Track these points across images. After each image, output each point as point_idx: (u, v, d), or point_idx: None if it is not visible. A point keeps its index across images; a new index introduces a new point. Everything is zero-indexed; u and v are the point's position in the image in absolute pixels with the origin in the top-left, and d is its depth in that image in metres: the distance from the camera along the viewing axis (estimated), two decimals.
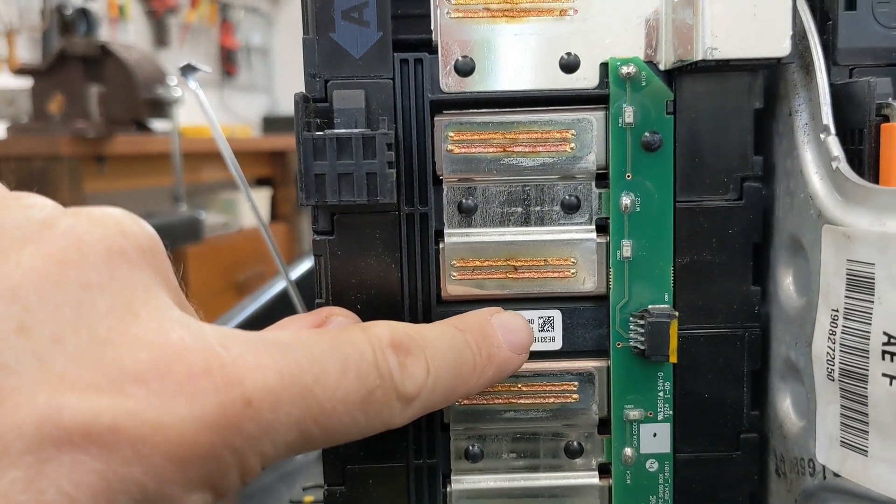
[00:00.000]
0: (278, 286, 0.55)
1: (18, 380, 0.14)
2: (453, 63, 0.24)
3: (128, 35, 2.49)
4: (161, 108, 1.62)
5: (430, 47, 0.25)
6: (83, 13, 2.00)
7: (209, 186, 2.16)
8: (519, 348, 0.23)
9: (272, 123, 2.87)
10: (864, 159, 0.23)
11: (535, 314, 0.26)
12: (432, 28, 0.24)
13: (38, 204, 0.17)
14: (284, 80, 3.32)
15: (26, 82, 1.68)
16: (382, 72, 0.24)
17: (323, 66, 0.24)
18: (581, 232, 0.25)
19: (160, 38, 2.66)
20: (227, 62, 3.02)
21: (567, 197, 0.25)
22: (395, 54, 0.24)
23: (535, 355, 0.26)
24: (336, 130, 0.23)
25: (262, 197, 2.33)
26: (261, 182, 2.46)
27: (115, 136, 1.60)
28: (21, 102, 1.64)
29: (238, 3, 3.09)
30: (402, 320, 0.25)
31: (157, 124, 1.76)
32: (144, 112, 1.61)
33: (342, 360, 0.18)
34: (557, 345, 0.26)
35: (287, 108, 3.12)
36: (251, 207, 0.36)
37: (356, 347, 0.19)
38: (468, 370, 0.22)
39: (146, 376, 0.15)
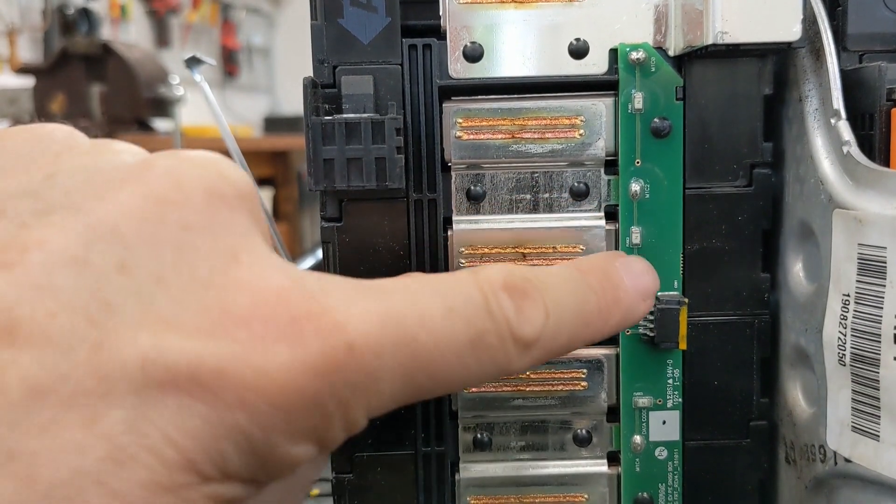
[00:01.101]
0: None
1: (120, 318, 0.14)
2: (462, 49, 0.24)
3: (129, 35, 2.49)
4: (163, 107, 1.62)
5: (439, 33, 0.25)
6: (85, 13, 2.00)
7: None
8: (645, 293, 0.22)
9: (273, 123, 2.86)
10: (874, 144, 0.23)
11: None
12: (441, 14, 0.24)
13: (127, 149, 0.17)
14: (286, 81, 3.32)
15: (28, 81, 1.68)
16: (391, 57, 0.24)
17: (331, 52, 0.24)
18: (590, 219, 0.25)
19: (161, 38, 2.66)
20: (229, 62, 3.02)
21: (576, 184, 0.25)
22: (404, 40, 0.24)
23: None
24: (345, 115, 0.23)
25: (264, 197, 2.33)
26: (262, 182, 2.46)
27: (117, 135, 1.60)
28: (23, 102, 1.64)
29: (239, 4, 3.09)
30: None
31: (160, 124, 1.76)
32: (146, 111, 1.61)
33: (447, 302, 0.17)
34: None
35: (288, 108, 3.13)
36: (259, 200, 0.36)
37: (462, 289, 0.18)
38: (592, 314, 0.20)
39: (249, 320, 0.15)
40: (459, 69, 0.25)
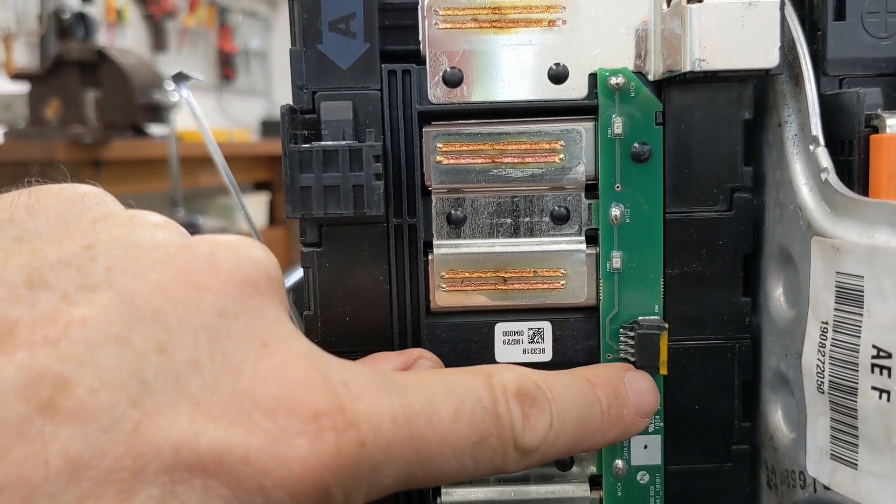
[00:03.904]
0: None
1: (158, 400, 0.15)
2: (441, 74, 0.24)
3: (125, 39, 2.49)
4: (158, 112, 1.62)
5: (419, 58, 0.25)
6: (81, 17, 2.00)
7: (207, 191, 2.16)
8: (646, 413, 0.23)
9: (271, 127, 2.86)
10: (853, 170, 0.23)
11: (524, 325, 0.25)
12: (420, 39, 0.24)
13: (162, 224, 0.18)
14: (283, 84, 3.32)
15: (23, 87, 1.68)
16: (370, 83, 0.24)
17: (310, 78, 0.24)
18: (571, 243, 0.25)
19: (158, 42, 2.66)
20: (226, 66, 3.02)
21: (556, 208, 0.25)
22: (383, 66, 0.24)
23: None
24: (322, 143, 0.23)
25: (261, 201, 2.33)
26: (259, 186, 2.46)
27: (112, 141, 1.60)
28: (18, 107, 1.64)
29: (236, 7, 3.09)
30: (391, 332, 0.25)
31: (155, 129, 1.76)
32: (141, 117, 1.61)
33: (457, 404, 0.18)
34: (548, 356, 0.26)
35: None
36: (245, 216, 0.36)
37: (474, 392, 0.19)
38: (594, 428, 0.21)
39: (275, 411, 0.16)
40: (439, 94, 0.24)
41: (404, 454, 0.17)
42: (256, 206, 2.28)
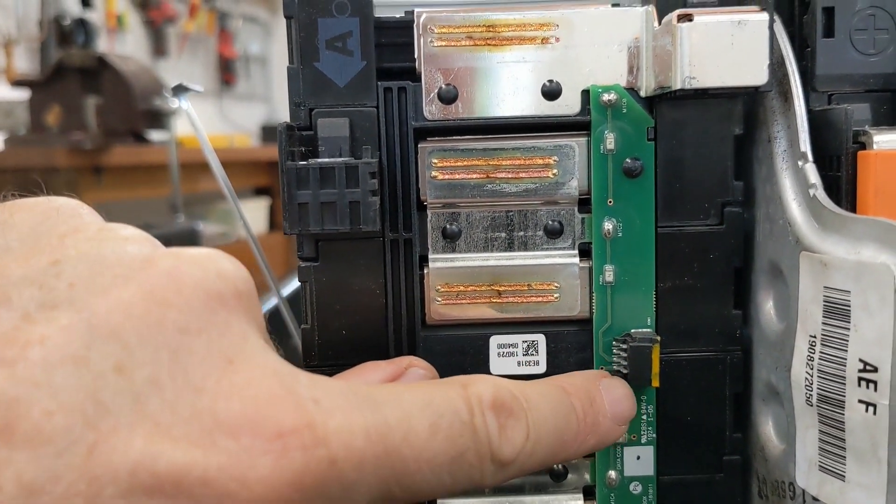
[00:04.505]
0: (272, 301, 0.55)
1: (115, 421, 0.14)
2: (436, 91, 0.25)
3: (126, 45, 2.49)
4: (158, 119, 1.62)
5: (414, 75, 0.25)
6: (81, 24, 2.01)
7: (207, 196, 2.16)
8: (622, 420, 0.23)
9: (271, 132, 2.87)
10: (841, 186, 0.23)
11: (519, 338, 0.26)
12: (416, 56, 0.25)
13: (134, 237, 0.17)
14: (283, 89, 3.28)
15: (24, 94, 1.68)
16: (366, 100, 0.25)
17: (307, 95, 0.25)
18: (564, 257, 0.26)
19: (158, 47, 2.66)
20: (226, 71, 3.02)
21: (550, 222, 0.26)
22: (379, 83, 0.25)
23: (520, 379, 0.26)
24: (319, 160, 0.24)
25: (261, 206, 2.33)
26: (259, 192, 2.46)
27: (113, 147, 1.61)
28: (18, 114, 1.65)
29: (236, 13, 3.10)
30: (387, 345, 0.25)
31: (155, 135, 1.76)
32: (142, 123, 1.62)
33: (434, 419, 0.18)
34: (542, 368, 0.26)
35: (286, 117, 3.12)
36: (244, 224, 0.36)
37: (451, 405, 0.18)
38: (570, 437, 0.21)
39: (237, 430, 0.15)
40: (434, 111, 0.25)
41: (379, 471, 0.17)
42: (256, 211, 2.28)
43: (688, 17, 0.22)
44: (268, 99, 3.33)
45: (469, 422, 0.18)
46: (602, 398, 0.22)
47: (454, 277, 0.25)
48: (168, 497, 0.14)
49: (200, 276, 0.16)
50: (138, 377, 0.15)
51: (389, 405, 0.18)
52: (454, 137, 0.25)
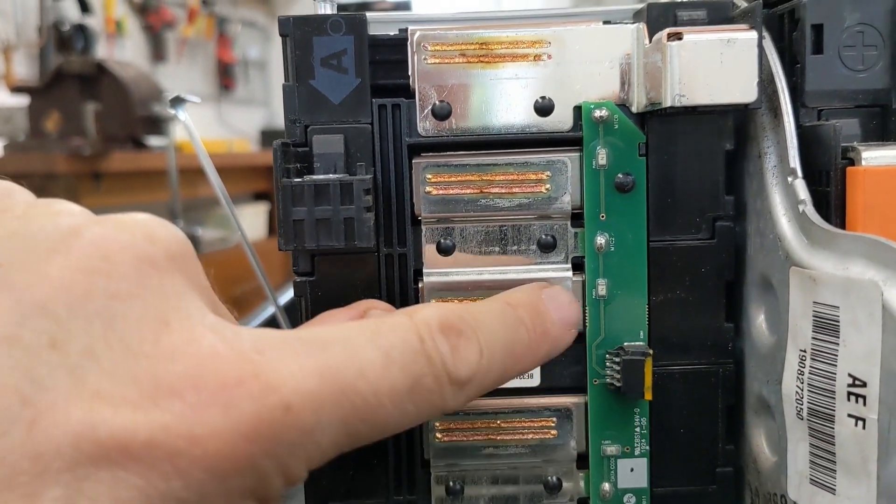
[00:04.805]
0: (270, 309, 0.56)
1: (53, 396, 0.14)
2: (430, 107, 0.25)
3: (125, 50, 2.50)
4: (157, 125, 1.63)
5: (408, 91, 0.25)
6: (80, 29, 2.01)
7: (206, 202, 2.16)
8: (571, 324, 0.23)
9: (270, 137, 2.87)
10: (831, 201, 0.23)
11: None
12: (410, 73, 0.25)
13: (65, 210, 0.17)
14: (282, 94, 3.33)
15: (23, 100, 1.69)
16: (361, 117, 0.25)
17: (303, 112, 0.25)
18: (557, 270, 0.26)
19: (157, 52, 2.67)
20: (225, 76, 3.03)
21: (543, 236, 0.26)
22: (374, 100, 0.25)
23: (514, 392, 0.26)
24: (314, 177, 0.24)
25: (260, 211, 2.33)
26: (258, 197, 2.46)
27: (112, 153, 1.61)
28: (18, 120, 1.65)
29: (235, 17, 3.11)
30: None
31: (154, 141, 1.76)
32: (140, 129, 1.62)
33: (385, 351, 0.18)
34: (536, 381, 0.26)
35: None
36: (239, 230, 0.36)
37: (400, 335, 0.18)
38: (523, 348, 0.21)
39: (180, 388, 0.15)
40: (428, 127, 0.25)
41: (338, 411, 0.16)
42: (255, 216, 2.28)
43: (677, 36, 0.23)
44: (267, 103, 3.34)
45: (420, 348, 0.18)
46: (547, 307, 0.22)
47: (449, 291, 0.26)
48: (116, 464, 0.14)
49: (128, 240, 0.16)
50: (73, 349, 0.15)
51: (338, 344, 0.17)
52: (448, 153, 0.26)
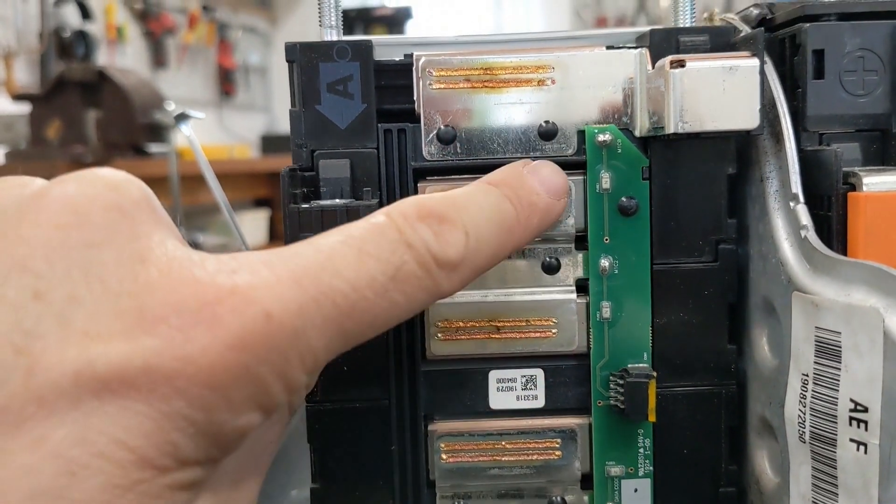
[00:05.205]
0: None
1: (44, 342, 0.15)
2: (435, 132, 0.25)
3: (125, 57, 2.50)
4: (158, 132, 1.63)
5: (413, 116, 0.26)
6: (81, 35, 2.01)
7: (207, 208, 2.17)
8: (558, 193, 0.23)
9: (271, 142, 2.88)
10: (832, 226, 0.23)
11: (518, 373, 0.26)
12: (415, 98, 0.25)
13: (27, 181, 0.18)
14: (283, 100, 3.33)
15: (24, 108, 1.69)
16: (367, 142, 0.25)
17: (309, 137, 0.25)
18: (562, 293, 0.26)
19: (158, 59, 2.67)
20: (226, 82, 3.03)
21: (547, 259, 0.26)
22: (379, 125, 0.25)
23: (519, 413, 0.26)
24: (322, 202, 0.24)
25: (261, 218, 2.34)
26: (259, 203, 2.46)
27: (113, 160, 1.61)
28: (19, 128, 1.66)
29: (236, 23, 3.11)
30: (389, 379, 0.26)
31: (155, 148, 1.77)
32: (142, 137, 1.62)
33: (359, 245, 0.18)
34: (540, 403, 0.26)
35: (286, 127, 3.13)
36: (239, 237, 0.37)
37: (374, 230, 0.19)
38: (513, 223, 0.21)
39: (164, 315, 0.16)
40: (433, 151, 0.25)
41: (323, 311, 0.17)
42: (256, 222, 2.28)
43: (680, 63, 0.23)
44: (267, 109, 3.34)
45: (399, 238, 0.19)
46: (531, 180, 0.23)
47: (453, 314, 0.26)
48: (118, 394, 0.15)
49: (92, 192, 0.17)
50: (57, 298, 0.15)
51: (310, 252, 0.18)
52: (453, 177, 0.26)
